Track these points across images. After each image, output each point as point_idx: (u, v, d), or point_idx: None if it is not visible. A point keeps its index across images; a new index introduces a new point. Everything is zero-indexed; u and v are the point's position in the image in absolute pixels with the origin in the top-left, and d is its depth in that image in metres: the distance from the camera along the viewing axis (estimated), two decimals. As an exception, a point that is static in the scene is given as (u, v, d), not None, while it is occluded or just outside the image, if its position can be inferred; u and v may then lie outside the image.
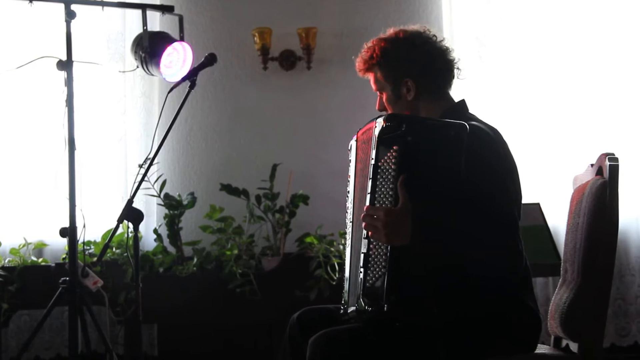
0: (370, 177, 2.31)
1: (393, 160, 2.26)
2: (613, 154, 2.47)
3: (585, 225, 2.47)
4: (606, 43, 4.64)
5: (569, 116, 4.63)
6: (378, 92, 2.63)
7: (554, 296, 2.64)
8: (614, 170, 2.43)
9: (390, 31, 2.60)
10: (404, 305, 2.27)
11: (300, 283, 4.07)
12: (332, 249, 4.15)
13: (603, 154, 2.51)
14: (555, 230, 4.25)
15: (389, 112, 2.61)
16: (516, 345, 2.39)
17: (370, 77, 2.62)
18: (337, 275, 4.03)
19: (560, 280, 2.67)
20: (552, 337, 2.67)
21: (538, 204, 4.03)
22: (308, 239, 4.24)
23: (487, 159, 2.33)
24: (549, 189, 4.49)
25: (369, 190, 2.32)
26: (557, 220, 4.33)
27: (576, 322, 2.45)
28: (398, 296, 2.25)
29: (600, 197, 2.43)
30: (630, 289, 4.60)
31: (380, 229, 2.23)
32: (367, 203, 2.31)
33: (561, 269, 2.67)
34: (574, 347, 2.49)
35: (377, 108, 2.65)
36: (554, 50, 4.65)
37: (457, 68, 2.59)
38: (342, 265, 4.05)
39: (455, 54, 2.59)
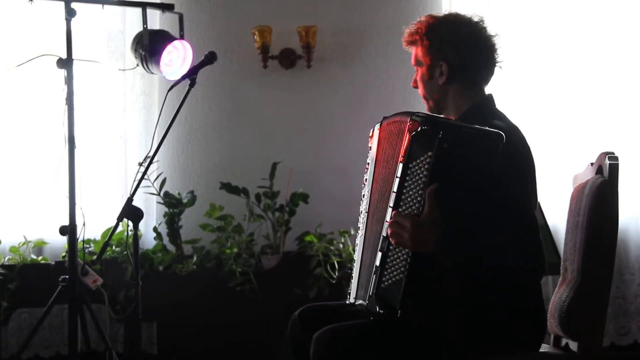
0: (399, 176, 2.28)
1: (426, 166, 2.23)
2: (613, 153, 2.47)
3: (585, 224, 2.47)
4: (606, 42, 4.64)
5: (569, 115, 4.62)
6: (415, 67, 2.59)
7: (554, 295, 2.63)
8: (614, 169, 2.43)
9: (446, 12, 2.58)
10: (417, 312, 2.26)
11: (300, 281, 4.07)
12: (332, 247, 4.15)
13: (603, 153, 2.50)
14: (555, 229, 4.25)
15: (420, 89, 2.58)
16: (519, 346, 2.39)
17: (413, 50, 2.58)
18: (336, 274, 4.03)
19: (560, 279, 2.67)
20: (552, 336, 2.67)
21: (538, 203, 4.02)
22: (308, 238, 4.24)
23: (515, 163, 2.32)
24: (549, 187, 4.48)
25: (394, 189, 2.29)
26: (557, 219, 4.33)
27: (576, 321, 2.45)
28: (413, 303, 2.24)
29: (600, 195, 2.43)
30: (630, 287, 4.60)
31: (407, 239, 2.21)
32: (392, 202, 2.29)
33: (561, 267, 2.66)
34: (573, 346, 2.49)
35: (412, 84, 2.62)
36: (554, 49, 4.65)
37: (499, 67, 2.57)
38: (342, 264, 4.05)
39: (501, 52, 2.55)
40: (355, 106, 4.64)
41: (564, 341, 2.59)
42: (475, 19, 2.54)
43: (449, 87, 2.53)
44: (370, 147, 2.52)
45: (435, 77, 2.53)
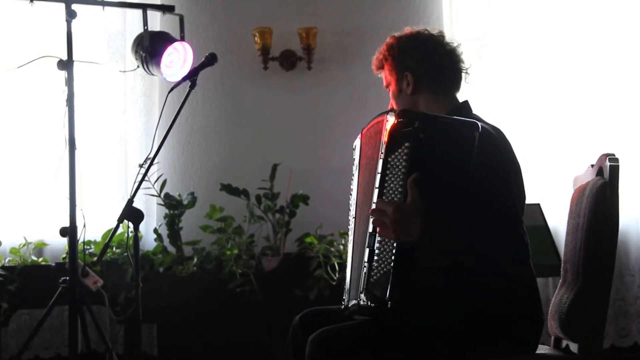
0: (379, 171, 2.31)
1: (404, 157, 2.26)
2: (613, 155, 2.47)
3: (585, 226, 2.47)
4: (606, 43, 4.64)
5: (569, 116, 4.63)
6: (388, 90, 2.66)
7: (554, 297, 2.64)
8: (614, 170, 2.43)
9: (407, 30, 2.65)
10: (407, 303, 2.27)
11: (300, 283, 4.07)
12: (332, 249, 4.15)
13: (603, 155, 2.51)
14: (556, 230, 4.25)
15: (395, 108, 2.62)
16: (517, 345, 2.39)
17: (382, 75, 2.67)
18: (337, 275, 4.03)
19: (560, 280, 2.67)
20: (552, 337, 2.67)
21: (538, 205, 4.03)
22: (308, 239, 4.24)
23: (494, 158, 2.33)
24: (549, 189, 4.49)
25: (377, 184, 2.31)
26: (558, 220, 4.33)
27: (576, 323, 2.45)
28: (402, 294, 2.24)
29: (600, 197, 2.43)
30: (630, 289, 4.59)
31: (389, 226, 2.22)
32: (375, 197, 2.30)
33: (561, 269, 2.67)
34: (574, 347, 2.49)
35: (389, 108, 2.66)
36: (555, 50, 4.65)
37: (466, 72, 2.61)
38: (342, 265, 4.05)
39: (464, 58, 2.62)
40: (355, 107, 4.64)
41: (564, 342, 2.59)
42: (434, 31, 2.63)
43: (418, 97, 2.58)
44: (354, 159, 2.56)
45: (404, 89, 2.60)
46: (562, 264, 2.67)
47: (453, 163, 2.27)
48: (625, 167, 2.82)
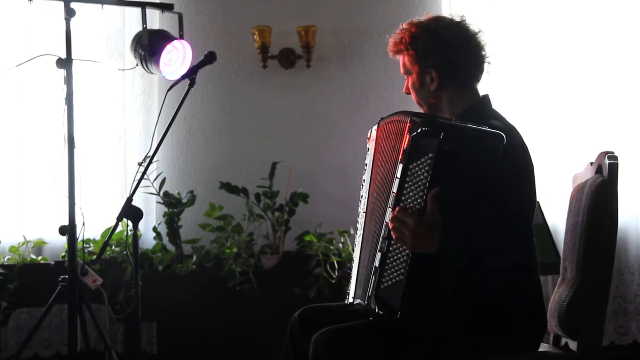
0: (399, 177, 2.28)
1: (426, 168, 2.22)
2: (612, 153, 2.47)
3: (584, 224, 2.47)
4: (606, 42, 4.64)
5: (568, 114, 4.63)
6: (405, 75, 2.60)
7: (553, 295, 2.64)
8: (614, 168, 2.43)
9: (425, 17, 2.56)
10: (416, 315, 2.26)
11: (300, 281, 4.08)
12: (332, 247, 4.15)
13: (602, 153, 2.51)
14: (555, 228, 4.25)
15: (413, 96, 2.59)
16: (518, 347, 2.40)
17: (400, 59, 2.59)
18: (336, 274, 4.03)
19: (559, 278, 2.67)
20: (552, 335, 2.67)
21: (537, 202, 4.02)
22: (307, 237, 4.24)
23: (513, 164, 2.31)
24: (549, 187, 4.49)
25: (394, 189, 2.29)
26: (557, 218, 4.33)
27: (575, 321, 2.45)
28: (412, 304, 2.23)
29: (599, 195, 2.43)
30: (630, 287, 4.60)
31: (408, 237, 2.21)
32: (391, 204, 2.29)
33: (560, 267, 2.67)
34: (573, 345, 2.50)
35: (404, 91, 2.63)
36: (554, 49, 4.65)
37: (488, 62, 2.56)
38: (341, 264, 4.06)
39: (487, 48, 2.55)
40: (354, 106, 4.64)
41: (563, 340, 2.60)
42: (457, 19, 2.55)
43: (442, 93, 2.53)
44: (368, 149, 2.53)
45: (427, 84, 2.53)
46: (562, 262, 2.66)
47: (475, 176, 2.23)
48: (625, 165, 2.82)
